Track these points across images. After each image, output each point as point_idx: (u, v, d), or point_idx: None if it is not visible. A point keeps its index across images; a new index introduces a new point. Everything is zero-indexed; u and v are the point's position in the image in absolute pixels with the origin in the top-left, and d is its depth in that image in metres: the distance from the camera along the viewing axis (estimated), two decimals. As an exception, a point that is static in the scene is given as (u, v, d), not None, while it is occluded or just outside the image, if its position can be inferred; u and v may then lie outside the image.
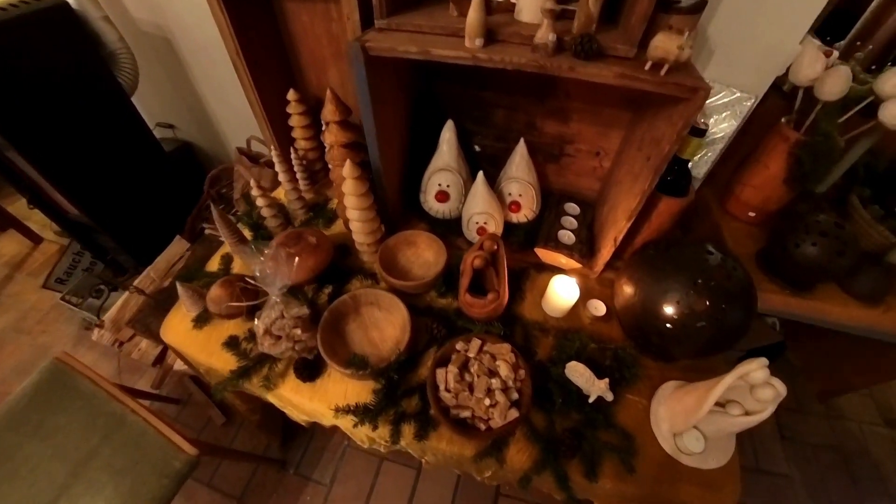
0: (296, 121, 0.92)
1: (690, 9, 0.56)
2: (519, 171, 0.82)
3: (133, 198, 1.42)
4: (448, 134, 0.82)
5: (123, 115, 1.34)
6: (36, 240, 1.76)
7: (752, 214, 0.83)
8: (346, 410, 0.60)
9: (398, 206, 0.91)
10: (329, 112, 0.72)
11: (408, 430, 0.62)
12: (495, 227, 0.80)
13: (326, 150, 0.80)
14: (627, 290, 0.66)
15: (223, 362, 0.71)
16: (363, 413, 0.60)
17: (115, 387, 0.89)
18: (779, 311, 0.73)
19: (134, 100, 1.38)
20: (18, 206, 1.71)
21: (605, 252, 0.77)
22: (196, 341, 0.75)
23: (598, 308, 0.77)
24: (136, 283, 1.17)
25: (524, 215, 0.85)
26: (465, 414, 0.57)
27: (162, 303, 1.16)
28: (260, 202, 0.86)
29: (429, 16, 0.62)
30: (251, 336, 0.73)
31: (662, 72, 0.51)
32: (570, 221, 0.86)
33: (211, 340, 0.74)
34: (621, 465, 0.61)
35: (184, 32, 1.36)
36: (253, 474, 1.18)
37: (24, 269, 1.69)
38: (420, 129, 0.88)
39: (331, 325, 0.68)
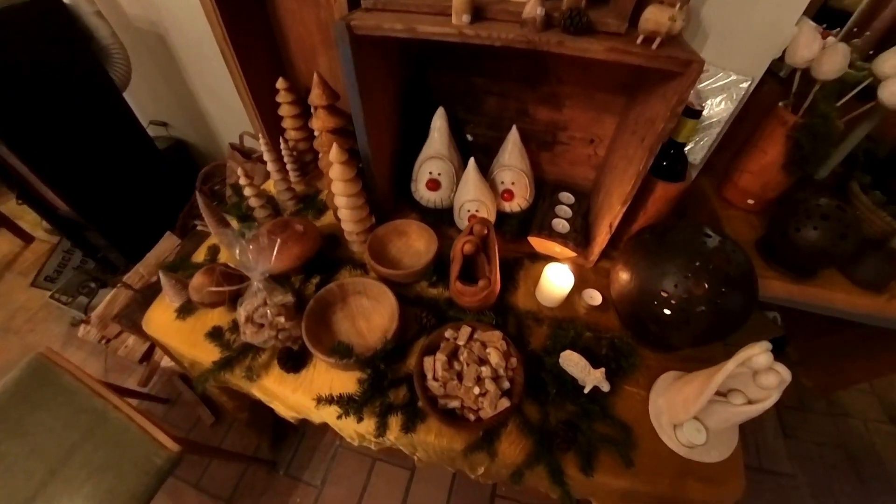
0: (285, 110, 0.90)
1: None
2: (511, 159, 0.81)
3: (125, 195, 1.40)
4: (439, 121, 0.80)
5: (115, 111, 1.33)
6: (27, 239, 1.74)
7: (750, 202, 0.81)
8: (329, 400, 0.58)
9: (389, 197, 0.89)
10: (316, 96, 0.70)
11: (395, 422, 0.59)
12: (487, 215, 0.78)
13: (315, 137, 0.79)
14: (623, 276, 0.63)
15: (206, 353, 0.69)
16: (347, 403, 0.58)
17: (99, 383, 0.86)
18: (780, 298, 0.71)
19: (127, 97, 1.37)
20: (10, 206, 1.69)
21: (601, 240, 0.75)
22: (179, 332, 0.73)
23: (594, 297, 0.75)
24: (125, 278, 1.15)
25: (517, 204, 0.83)
26: (454, 404, 0.55)
27: (150, 298, 1.12)
28: (248, 191, 0.84)
29: (416, -5, 0.60)
30: (235, 327, 0.70)
31: (654, 45, 0.49)
32: (565, 210, 0.84)
33: (194, 331, 0.72)
34: (619, 458, 0.58)
35: (177, 29, 1.35)
36: (242, 475, 1.14)
37: (15, 269, 1.67)
38: (411, 118, 0.86)
39: (316, 313, 0.66)
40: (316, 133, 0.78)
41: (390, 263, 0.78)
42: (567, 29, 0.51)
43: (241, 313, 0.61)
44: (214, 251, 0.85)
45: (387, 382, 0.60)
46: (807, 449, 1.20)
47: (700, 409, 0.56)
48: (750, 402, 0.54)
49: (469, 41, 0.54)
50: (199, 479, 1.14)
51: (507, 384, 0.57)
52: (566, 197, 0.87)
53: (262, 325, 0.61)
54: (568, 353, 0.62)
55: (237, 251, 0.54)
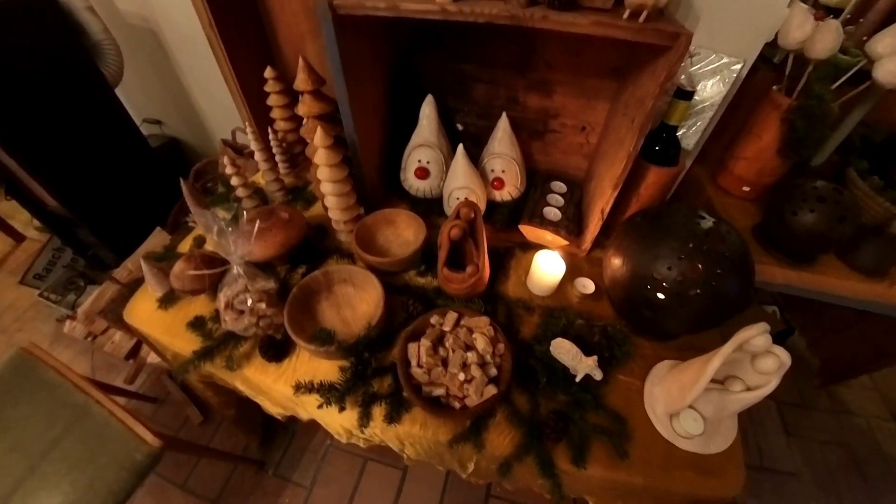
0: (274, 100, 0.89)
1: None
2: (502, 147, 0.79)
3: (116, 192, 1.39)
4: (428, 109, 0.79)
5: (106, 107, 1.32)
6: (18, 238, 1.72)
7: (746, 189, 0.79)
8: (309, 388, 0.56)
9: (378, 187, 0.87)
10: (301, 81, 0.69)
11: (379, 413, 0.57)
12: (477, 202, 0.77)
13: (303, 126, 0.77)
14: (615, 261, 0.62)
15: (187, 344, 0.66)
16: (328, 392, 0.55)
17: (82, 378, 0.84)
18: (779, 284, 0.69)
19: (120, 95, 1.37)
20: (1, 205, 1.68)
21: (593, 227, 0.73)
22: (161, 323, 0.71)
23: (587, 286, 0.73)
24: (113, 273, 1.13)
25: (508, 193, 0.82)
26: (439, 392, 0.53)
27: (138, 294, 1.12)
28: (234, 181, 0.83)
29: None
30: (218, 316, 0.68)
31: (641, 19, 0.48)
32: (557, 199, 0.83)
33: (176, 321, 0.70)
34: (613, 449, 0.56)
35: (170, 25, 1.35)
36: (230, 476, 1.11)
37: (5, 268, 1.65)
38: (400, 108, 0.85)
39: (300, 301, 0.64)
40: (305, 121, 0.77)
41: (378, 252, 0.76)
42: (552, 4, 0.50)
43: (221, 299, 0.59)
44: (201, 242, 0.83)
45: (370, 371, 0.58)
46: (809, 447, 1.18)
47: (697, 397, 0.54)
48: (749, 389, 0.52)
49: (452, 18, 0.53)
50: (186, 480, 1.11)
51: (494, 371, 0.54)
52: (558, 186, 0.86)
53: (242, 312, 0.59)
54: (559, 340, 0.60)
55: (215, 232, 0.52)
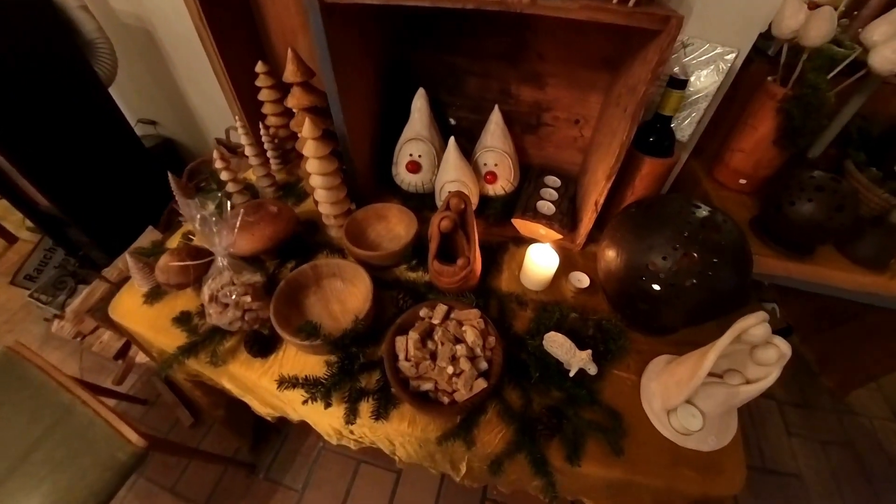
0: (265, 94, 0.88)
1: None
2: (494, 140, 0.78)
3: (109, 192, 1.37)
4: (420, 102, 0.78)
5: (100, 106, 1.31)
6: (11, 239, 1.71)
7: (742, 182, 0.78)
8: (293, 383, 0.54)
9: (370, 182, 0.86)
10: (290, 72, 0.68)
11: (366, 409, 0.55)
12: (469, 196, 0.75)
13: (294, 119, 0.76)
14: (609, 252, 0.60)
15: (172, 339, 0.65)
16: (314, 387, 0.54)
17: (68, 377, 0.82)
18: (778, 277, 0.67)
19: (115, 94, 1.36)
20: (-6, 205, 1.66)
21: (587, 220, 0.72)
22: (146, 318, 0.69)
23: (582, 280, 0.71)
24: (103, 272, 1.12)
25: (501, 187, 0.80)
26: (427, 386, 0.51)
27: (128, 293, 1.10)
28: (224, 175, 0.81)
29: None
30: (204, 312, 0.67)
31: (630, 3, 0.47)
32: (551, 193, 0.81)
33: (161, 317, 0.68)
34: (608, 446, 0.54)
35: (164, 24, 1.35)
36: (220, 479, 1.09)
37: (-3, 269, 1.63)
38: (392, 103, 0.84)
39: (287, 295, 0.62)
40: (296, 114, 0.76)
41: (369, 247, 0.75)
42: (541, -12, 0.49)
43: (206, 292, 0.57)
44: (190, 237, 0.82)
45: (358, 366, 0.56)
46: (812, 448, 1.15)
47: (694, 391, 0.52)
48: (748, 382, 0.51)
49: (440, 5, 0.52)
50: (175, 483, 1.08)
51: (484, 365, 0.53)
52: (552, 180, 0.85)
53: (226, 306, 0.57)
54: (552, 334, 0.59)
55: (198, 221, 0.50)
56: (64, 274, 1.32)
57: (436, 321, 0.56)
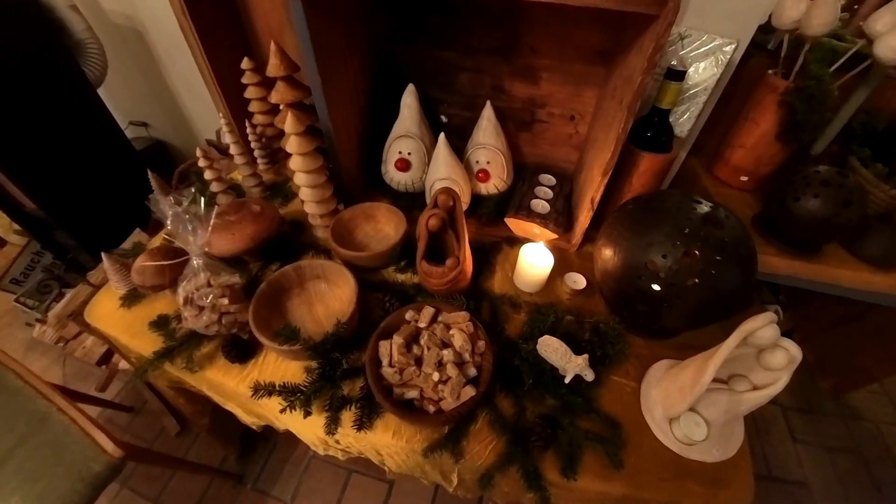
0: (252, 92, 0.86)
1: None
2: (486, 137, 0.76)
3: (98, 195, 1.35)
4: (409, 98, 0.76)
5: (88, 107, 1.29)
6: (-1, 242, 1.67)
7: (743, 179, 0.75)
8: (270, 390, 0.50)
9: (358, 181, 0.84)
10: (273, 66, 0.66)
11: (348, 419, 0.52)
12: (461, 195, 0.73)
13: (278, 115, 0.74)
14: (606, 251, 0.57)
15: (149, 344, 0.62)
16: (292, 394, 0.50)
17: (46, 384, 0.79)
18: (782, 276, 0.64)
19: (105, 96, 1.34)
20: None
21: (583, 219, 0.69)
22: (122, 322, 0.66)
23: (578, 281, 0.68)
24: (88, 275, 1.09)
25: (494, 185, 0.78)
26: (412, 394, 0.48)
27: (113, 298, 1.07)
28: (208, 174, 0.79)
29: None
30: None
31: (627, -14, 0.45)
32: (546, 192, 0.79)
33: (138, 321, 0.65)
34: (606, 458, 0.51)
35: (155, 24, 1.33)
36: (206, 490, 1.05)
37: (-16, 273, 1.60)
38: (382, 100, 0.82)
39: (269, 297, 0.59)
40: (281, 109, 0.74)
41: (357, 248, 0.72)
42: (531, -28, 0.47)
43: (181, 294, 0.54)
44: (171, 237, 0.79)
45: (340, 372, 0.53)
46: (817, 454, 1.12)
47: (698, 398, 0.49)
48: (756, 388, 0.47)
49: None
50: (159, 494, 1.04)
51: (473, 371, 0.50)
52: (547, 179, 0.82)
53: (202, 308, 0.54)
54: (546, 338, 0.56)
55: (169, 218, 0.48)
56: (49, 278, 1.29)
57: (422, 324, 0.52)
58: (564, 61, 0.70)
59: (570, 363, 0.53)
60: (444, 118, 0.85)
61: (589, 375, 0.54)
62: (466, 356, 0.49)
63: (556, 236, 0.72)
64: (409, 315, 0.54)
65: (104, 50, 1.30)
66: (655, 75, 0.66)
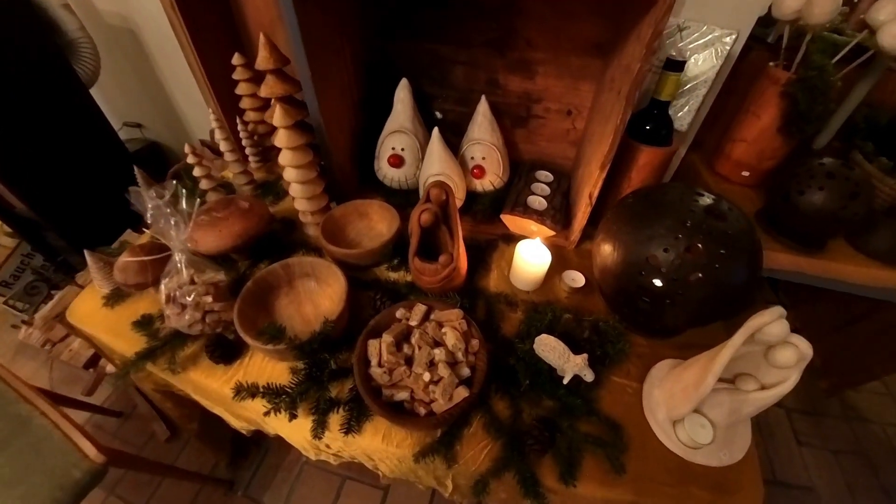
0: (243, 88, 0.84)
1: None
2: (481, 132, 0.74)
3: (89, 195, 1.33)
4: (402, 93, 0.74)
5: (80, 107, 1.28)
6: (-10, 245, 1.65)
7: (745, 174, 0.74)
8: (253, 392, 0.48)
9: (351, 178, 0.82)
10: (263, 59, 0.64)
11: (336, 422, 0.49)
12: (456, 191, 0.71)
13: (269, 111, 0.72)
14: (605, 247, 0.55)
15: (131, 345, 0.59)
16: (277, 396, 0.48)
17: (29, 387, 0.77)
18: (787, 271, 0.62)
19: (99, 97, 1.32)
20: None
21: (581, 215, 0.67)
22: (105, 322, 0.64)
23: (576, 279, 0.66)
24: (76, 277, 1.06)
25: (489, 182, 0.76)
26: (402, 396, 0.45)
27: (102, 299, 1.04)
28: (197, 171, 0.77)
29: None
30: (166, 315, 0.61)
31: (624, -30, 0.43)
32: (543, 188, 0.77)
33: (121, 321, 0.63)
34: (607, 463, 0.48)
35: (149, 24, 1.32)
36: (196, 497, 1.02)
37: (-26, 276, 1.57)
38: (375, 95, 0.80)
39: (255, 296, 0.57)
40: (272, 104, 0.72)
41: (349, 246, 0.70)
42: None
43: (163, 292, 0.52)
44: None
45: (328, 373, 0.51)
46: (823, 457, 1.09)
47: (703, 399, 0.47)
48: (763, 388, 0.45)
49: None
50: (147, 502, 1.01)
51: (466, 371, 0.47)
52: (544, 175, 0.80)
53: (184, 307, 0.52)
54: (543, 337, 0.53)
55: (149, 212, 0.45)
56: (37, 279, 1.26)
57: (413, 323, 0.50)
58: (560, 54, 0.69)
59: (568, 363, 0.51)
60: (438, 114, 0.83)
61: (588, 376, 0.51)
62: (459, 355, 0.47)
63: (553, 233, 0.70)
64: (399, 313, 0.51)
65: (97, 50, 1.28)
66: (654, 67, 0.65)
